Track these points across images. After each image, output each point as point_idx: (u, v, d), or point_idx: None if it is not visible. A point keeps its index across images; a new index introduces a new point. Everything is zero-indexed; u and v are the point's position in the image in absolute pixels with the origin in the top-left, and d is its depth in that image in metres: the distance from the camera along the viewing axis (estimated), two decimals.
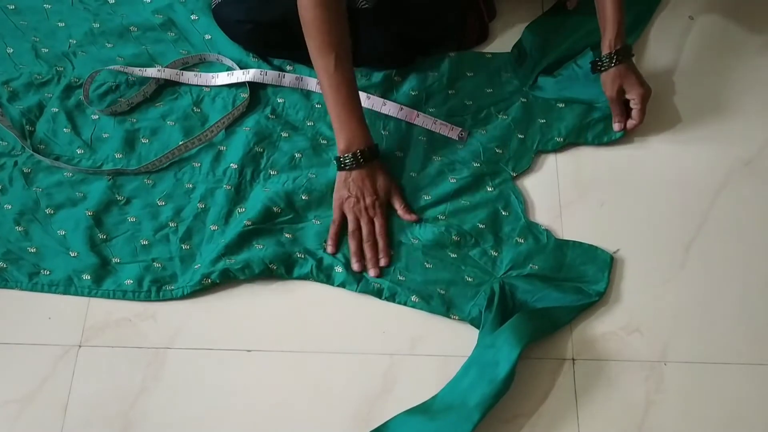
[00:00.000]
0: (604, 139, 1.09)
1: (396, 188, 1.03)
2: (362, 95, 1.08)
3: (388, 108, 1.10)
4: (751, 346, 0.94)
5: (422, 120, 1.09)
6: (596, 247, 1.00)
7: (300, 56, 1.15)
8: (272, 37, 1.12)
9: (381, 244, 1.00)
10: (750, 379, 0.92)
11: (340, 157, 1.00)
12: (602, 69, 1.05)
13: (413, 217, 1.02)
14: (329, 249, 1.00)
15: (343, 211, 1.01)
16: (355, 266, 0.99)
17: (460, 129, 1.09)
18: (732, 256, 1.00)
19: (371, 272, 0.98)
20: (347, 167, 1.00)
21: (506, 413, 0.89)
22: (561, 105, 1.12)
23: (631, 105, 1.06)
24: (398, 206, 1.02)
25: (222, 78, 1.12)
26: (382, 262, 0.99)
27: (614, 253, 1.00)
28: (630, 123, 1.07)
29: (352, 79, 1.00)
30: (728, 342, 0.94)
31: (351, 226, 1.00)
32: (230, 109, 1.11)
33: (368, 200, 1.00)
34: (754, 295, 0.97)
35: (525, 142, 1.09)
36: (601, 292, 0.96)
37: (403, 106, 1.10)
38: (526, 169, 1.07)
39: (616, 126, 1.09)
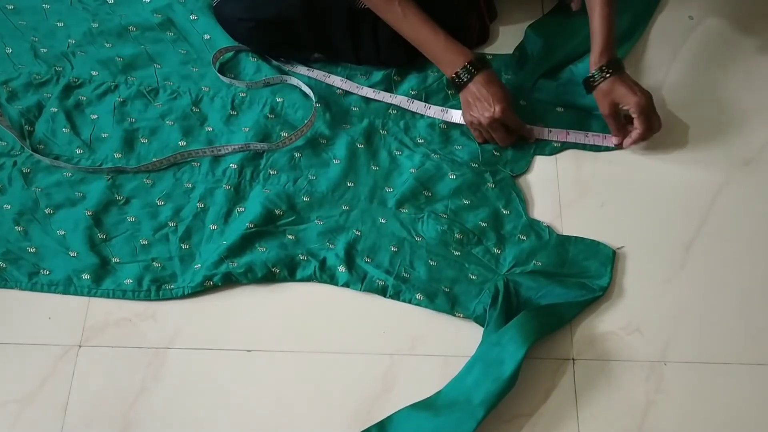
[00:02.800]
0: (601, 147, 1.09)
1: (509, 100, 1.04)
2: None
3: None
4: (751, 346, 0.94)
5: (574, 137, 1.10)
6: (598, 242, 1.00)
7: (300, 55, 1.16)
8: (274, 35, 1.12)
9: (525, 133, 1.08)
10: (750, 379, 0.92)
11: (454, 77, 1.03)
12: (594, 85, 1.03)
13: (531, 131, 1.09)
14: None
15: (479, 131, 1.07)
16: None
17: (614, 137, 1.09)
18: (732, 256, 1.00)
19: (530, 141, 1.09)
20: (464, 81, 1.03)
21: (506, 413, 0.88)
22: (560, 110, 1.12)
23: (632, 114, 1.03)
24: (512, 124, 1.06)
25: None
26: (531, 141, 1.09)
27: (618, 249, 1.00)
28: (635, 134, 1.04)
29: (423, 14, 1.04)
30: (728, 342, 0.94)
31: (488, 138, 1.07)
32: (228, 108, 1.11)
33: (486, 116, 1.03)
34: (754, 295, 0.97)
35: (523, 145, 1.09)
36: (604, 286, 0.96)
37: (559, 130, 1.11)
38: (524, 172, 1.08)
39: (613, 140, 1.08)
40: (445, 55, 1.04)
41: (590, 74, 1.03)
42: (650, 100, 1.03)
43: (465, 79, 1.03)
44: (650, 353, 0.93)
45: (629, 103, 1.02)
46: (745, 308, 0.96)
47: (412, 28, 1.04)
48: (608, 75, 1.02)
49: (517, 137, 1.08)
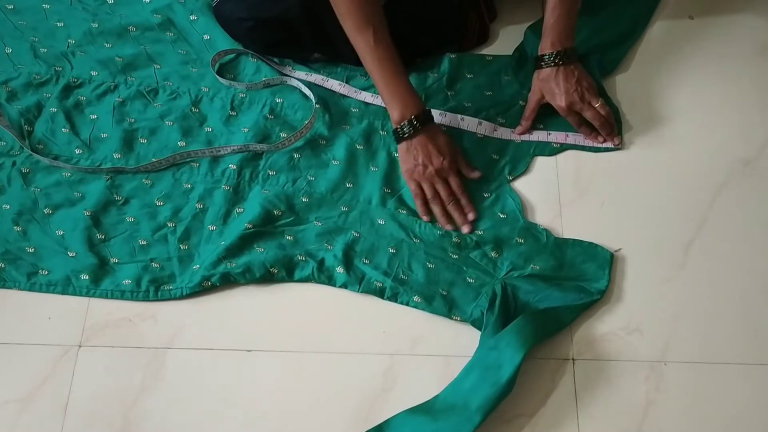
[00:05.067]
0: (601, 148, 1.09)
1: (456, 147, 1.04)
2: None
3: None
4: (751, 346, 0.94)
5: (570, 138, 1.10)
6: (596, 245, 1.00)
7: (300, 55, 1.16)
8: (273, 35, 1.12)
9: (463, 201, 1.02)
10: (750, 379, 0.92)
11: (397, 128, 1.01)
12: (541, 67, 1.05)
13: (477, 174, 1.05)
14: (425, 219, 1.02)
15: (417, 181, 1.02)
16: (447, 227, 1.01)
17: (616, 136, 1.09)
18: (732, 256, 1.00)
19: (464, 230, 1.01)
20: (406, 135, 1.01)
21: (506, 413, 0.88)
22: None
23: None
24: (462, 166, 1.04)
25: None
26: (470, 217, 1.01)
27: (616, 251, 1.00)
28: (522, 128, 1.08)
29: (393, 51, 1.00)
30: (728, 342, 0.94)
31: (428, 193, 1.02)
32: (228, 109, 1.11)
33: (436, 163, 1.01)
34: (754, 295, 0.97)
35: (522, 146, 1.09)
36: (602, 289, 0.96)
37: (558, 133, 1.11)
38: (524, 172, 1.08)
39: (615, 141, 1.08)
40: (399, 99, 1.00)
41: (541, 54, 1.05)
42: (573, 107, 1.04)
43: (407, 133, 1.00)
44: (650, 353, 0.93)
45: (552, 101, 1.05)
46: (745, 308, 0.96)
47: (377, 58, 0.99)
48: (558, 63, 1.04)
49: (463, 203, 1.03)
